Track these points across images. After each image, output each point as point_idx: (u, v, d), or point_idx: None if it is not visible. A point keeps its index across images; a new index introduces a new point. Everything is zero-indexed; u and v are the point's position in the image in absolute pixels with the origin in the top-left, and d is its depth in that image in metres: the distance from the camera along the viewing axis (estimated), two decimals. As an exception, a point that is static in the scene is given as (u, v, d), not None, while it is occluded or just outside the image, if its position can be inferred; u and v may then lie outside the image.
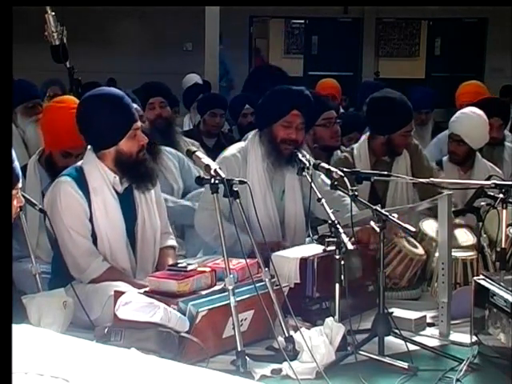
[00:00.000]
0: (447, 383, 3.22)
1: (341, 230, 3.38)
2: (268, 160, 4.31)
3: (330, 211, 3.48)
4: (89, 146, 3.89)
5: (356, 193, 3.57)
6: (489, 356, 3.41)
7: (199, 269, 3.48)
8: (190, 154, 3.63)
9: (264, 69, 9.57)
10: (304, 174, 4.03)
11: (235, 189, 3.31)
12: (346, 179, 3.65)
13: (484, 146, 5.29)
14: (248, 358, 3.18)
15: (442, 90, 7.15)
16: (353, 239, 3.50)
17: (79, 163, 3.90)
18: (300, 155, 4.14)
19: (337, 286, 3.40)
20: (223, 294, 3.29)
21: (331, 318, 3.43)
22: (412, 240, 4.32)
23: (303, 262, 3.78)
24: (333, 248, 3.43)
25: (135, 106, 4.05)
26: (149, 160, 3.92)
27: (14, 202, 2.59)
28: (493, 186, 3.90)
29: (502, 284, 3.36)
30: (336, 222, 3.41)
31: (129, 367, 2.03)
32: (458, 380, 3.22)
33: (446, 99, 6.95)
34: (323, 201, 3.59)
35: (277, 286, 3.45)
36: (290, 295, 3.53)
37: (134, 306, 3.22)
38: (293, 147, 4.21)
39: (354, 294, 3.54)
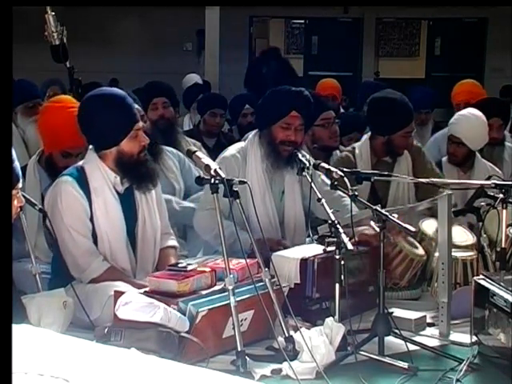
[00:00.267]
0: (447, 383, 3.22)
1: (341, 230, 3.38)
2: (267, 161, 4.30)
3: (330, 211, 3.48)
4: (90, 146, 3.90)
5: (356, 193, 3.57)
6: (489, 356, 3.41)
7: (199, 269, 3.48)
8: (190, 154, 3.63)
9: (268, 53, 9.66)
10: (304, 174, 4.03)
11: (235, 189, 3.31)
12: (346, 179, 3.65)
13: (484, 146, 5.29)
14: (248, 358, 3.18)
15: (442, 89, 7.15)
16: (353, 239, 3.50)
17: (80, 163, 3.90)
18: (300, 155, 4.14)
19: (337, 286, 3.40)
20: (223, 294, 3.29)
21: (331, 318, 3.43)
22: (412, 240, 4.32)
23: (303, 262, 3.78)
24: (333, 248, 3.43)
25: (136, 106, 4.05)
26: (150, 160, 3.92)
27: (15, 202, 2.59)
28: (493, 185, 3.90)
29: (502, 284, 3.36)
30: (336, 221, 3.41)
31: (129, 367, 2.03)
32: (457, 380, 3.22)
33: (446, 99, 6.94)
34: (323, 201, 3.59)
35: (277, 286, 3.45)
36: (290, 295, 3.53)
37: (134, 305, 3.22)
38: (292, 148, 4.21)
39: (354, 294, 3.54)
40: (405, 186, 4.82)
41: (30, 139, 5.40)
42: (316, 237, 4.07)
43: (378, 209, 3.48)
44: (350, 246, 3.32)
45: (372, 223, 3.54)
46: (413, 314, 3.87)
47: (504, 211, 3.79)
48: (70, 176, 3.80)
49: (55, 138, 4.30)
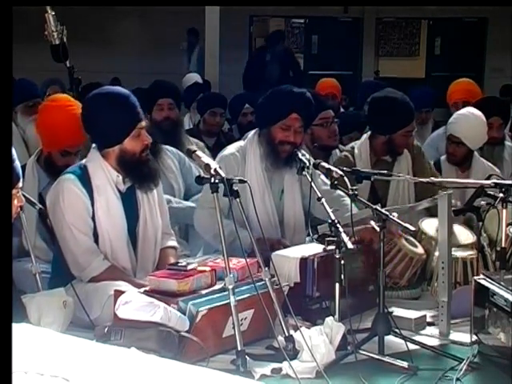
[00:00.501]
0: (447, 382, 3.22)
1: (341, 230, 3.38)
2: (266, 161, 4.30)
3: (329, 210, 3.48)
4: (93, 145, 3.91)
5: (356, 192, 3.57)
6: (489, 355, 3.41)
7: (199, 268, 3.48)
8: (190, 153, 3.64)
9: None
10: (304, 173, 4.02)
11: (235, 188, 3.31)
12: (345, 178, 3.65)
13: (484, 145, 5.29)
14: (248, 358, 3.18)
15: (442, 89, 7.13)
16: (353, 239, 3.50)
17: (83, 161, 3.91)
18: (300, 154, 4.13)
19: (337, 285, 3.40)
20: (223, 294, 3.29)
21: (331, 318, 3.44)
22: (412, 239, 4.32)
23: (303, 261, 3.78)
24: (333, 247, 3.43)
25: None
26: (152, 160, 3.93)
27: (15, 202, 2.59)
28: (493, 185, 3.90)
29: (502, 283, 3.36)
30: (336, 221, 3.41)
31: (129, 367, 2.03)
32: (457, 379, 3.22)
33: (446, 99, 6.95)
34: (323, 200, 3.58)
35: (277, 285, 3.45)
36: (289, 294, 3.53)
37: (134, 305, 3.22)
38: (291, 148, 4.21)
39: (354, 294, 3.54)
40: (404, 185, 4.82)
41: (30, 138, 5.40)
42: (316, 236, 4.07)
43: (378, 208, 3.48)
44: (349, 245, 3.32)
45: (372, 223, 3.54)
46: (413, 314, 3.87)
47: (504, 210, 3.79)
48: (73, 174, 3.81)
49: (54, 137, 4.30)
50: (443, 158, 5.27)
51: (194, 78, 9.32)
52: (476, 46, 14.39)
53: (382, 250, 3.48)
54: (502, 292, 3.30)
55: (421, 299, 4.28)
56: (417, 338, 3.65)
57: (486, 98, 6.10)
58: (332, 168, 3.79)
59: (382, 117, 4.81)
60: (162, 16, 13.07)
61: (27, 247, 3.76)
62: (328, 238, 3.58)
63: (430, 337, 3.72)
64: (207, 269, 3.49)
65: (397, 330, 3.53)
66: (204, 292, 3.40)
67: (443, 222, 3.75)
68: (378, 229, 3.47)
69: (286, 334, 3.35)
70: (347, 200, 3.68)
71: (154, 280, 3.43)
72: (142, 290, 3.41)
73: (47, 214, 3.80)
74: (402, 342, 3.49)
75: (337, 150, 5.49)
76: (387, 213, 3.44)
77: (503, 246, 3.85)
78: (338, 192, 4.04)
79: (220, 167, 3.39)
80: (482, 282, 3.46)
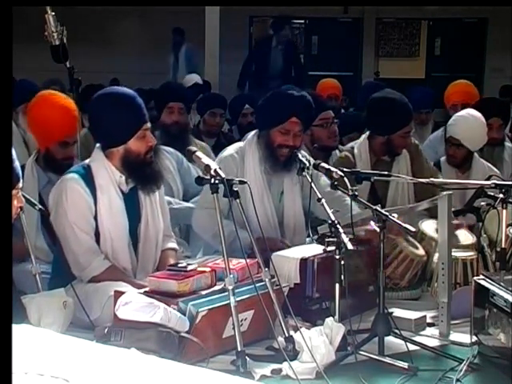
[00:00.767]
0: (447, 383, 3.22)
1: (341, 230, 3.38)
2: (265, 164, 4.29)
3: (330, 211, 3.48)
4: (97, 145, 3.91)
5: (356, 193, 3.57)
6: (489, 356, 3.41)
7: (199, 269, 3.48)
8: (190, 153, 3.63)
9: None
10: (304, 174, 4.02)
11: (235, 189, 3.31)
12: (345, 179, 3.65)
13: (484, 146, 5.29)
14: (248, 358, 3.18)
15: (442, 90, 7.13)
16: (353, 238, 3.50)
17: (87, 161, 3.91)
18: (300, 155, 4.13)
19: (337, 286, 3.40)
20: (223, 294, 3.29)
21: (331, 318, 3.43)
22: (412, 240, 4.32)
23: (303, 262, 3.78)
24: (333, 248, 3.43)
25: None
26: (155, 162, 3.93)
27: (15, 202, 2.59)
28: (493, 185, 3.90)
29: (502, 284, 3.36)
30: (336, 221, 3.41)
31: (129, 367, 2.03)
32: (458, 380, 3.22)
33: (444, 100, 6.94)
34: (323, 201, 3.58)
35: (277, 286, 3.45)
36: (289, 295, 3.53)
37: (134, 305, 3.22)
38: (290, 152, 4.20)
39: (354, 294, 3.54)
40: (404, 185, 4.82)
41: (31, 139, 5.40)
42: (316, 237, 4.07)
43: (378, 209, 3.48)
44: (349, 246, 3.32)
45: (372, 223, 3.54)
46: (413, 314, 3.87)
47: (504, 211, 3.79)
48: (77, 173, 3.81)
49: (49, 131, 4.30)
50: (443, 159, 5.27)
51: (193, 78, 9.32)
52: (476, 47, 14.38)
53: (382, 250, 3.48)
54: (502, 293, 3.30)
55: (421, 300, 4.28)
56: (417, 338, 3.65)
57: (486, 99, 6.12)
58: (332, 169, 3.79)
59: (381, 117, 4.81)
60: (162, 16, 13.06)
61: (27, 248, 3.75)
62: (328, 239, 3.57)
63: (430, 337, 3.72)
64: (207, 269, 3.49)
65: (397, 331, 3.53)
66: (204, 293, 3.40)
67: (443, 223, 3.75)
68: (377, 229, 3.47)
69: (286, 335, 3.35)
70: (349, 200, 3.67)
71: (154, 281, 3.43)
72: (142, 290, 3.41)
73: (48, 213, 3.80)
74: (402, 342, 3.50)
75: (336, 151, 5.49)
76: (387, 213, 3.44)
77: (503, 246, 3.86)
78: (340, 193, 4.03)
79: (220, 168, 3.39)
80: (482, 282, 3.46)
